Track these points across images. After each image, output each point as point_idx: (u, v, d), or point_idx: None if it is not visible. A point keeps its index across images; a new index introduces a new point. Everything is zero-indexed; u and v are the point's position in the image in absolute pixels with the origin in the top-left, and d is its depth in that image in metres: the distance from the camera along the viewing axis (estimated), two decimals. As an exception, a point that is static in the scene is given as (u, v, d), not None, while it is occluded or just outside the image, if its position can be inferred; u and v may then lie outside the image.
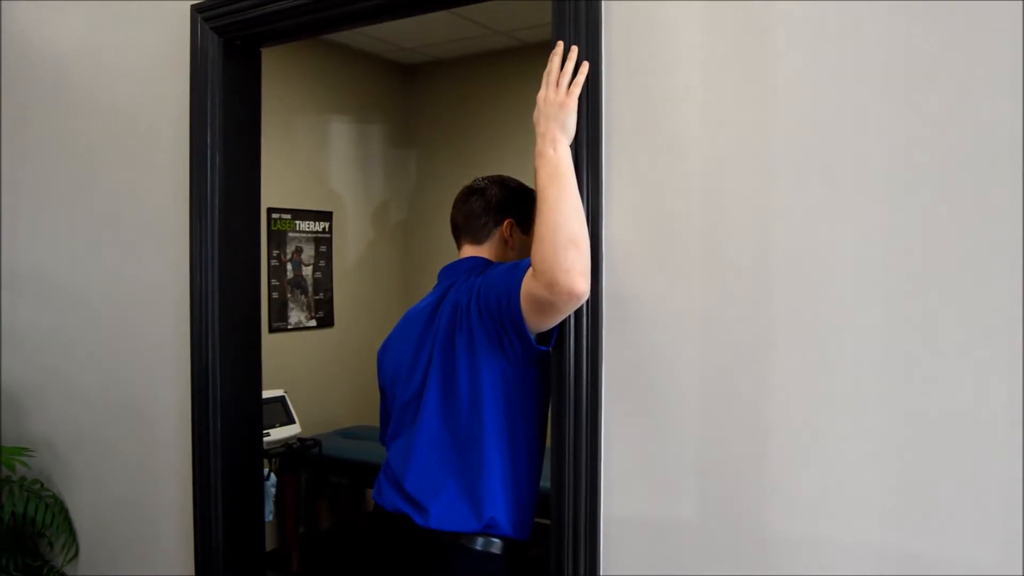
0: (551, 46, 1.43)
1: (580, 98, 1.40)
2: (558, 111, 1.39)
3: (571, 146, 1.40)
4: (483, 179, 1.73)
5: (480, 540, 1.52)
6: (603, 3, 1.40)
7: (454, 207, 1.74)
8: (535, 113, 1.42)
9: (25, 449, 2.43)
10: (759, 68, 1.28)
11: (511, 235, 1.67)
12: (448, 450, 1.55)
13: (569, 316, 1.41)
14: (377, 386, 1.80)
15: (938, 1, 1.14)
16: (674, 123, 1.35)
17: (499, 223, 1.67)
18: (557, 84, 1.40)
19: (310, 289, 4.27)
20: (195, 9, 2.01)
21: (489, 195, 1.68)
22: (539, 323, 1.42)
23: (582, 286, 1.32)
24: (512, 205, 1.68)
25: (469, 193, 1.71)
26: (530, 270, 1.38)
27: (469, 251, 1.69)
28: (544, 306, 1.37)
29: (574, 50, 1.41)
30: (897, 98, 1.17)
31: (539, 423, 1.58)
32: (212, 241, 2.01)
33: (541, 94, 1.42)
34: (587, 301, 1.38)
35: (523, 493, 1.55)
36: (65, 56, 2.40)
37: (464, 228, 1.70)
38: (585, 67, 1.40)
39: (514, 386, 1.52)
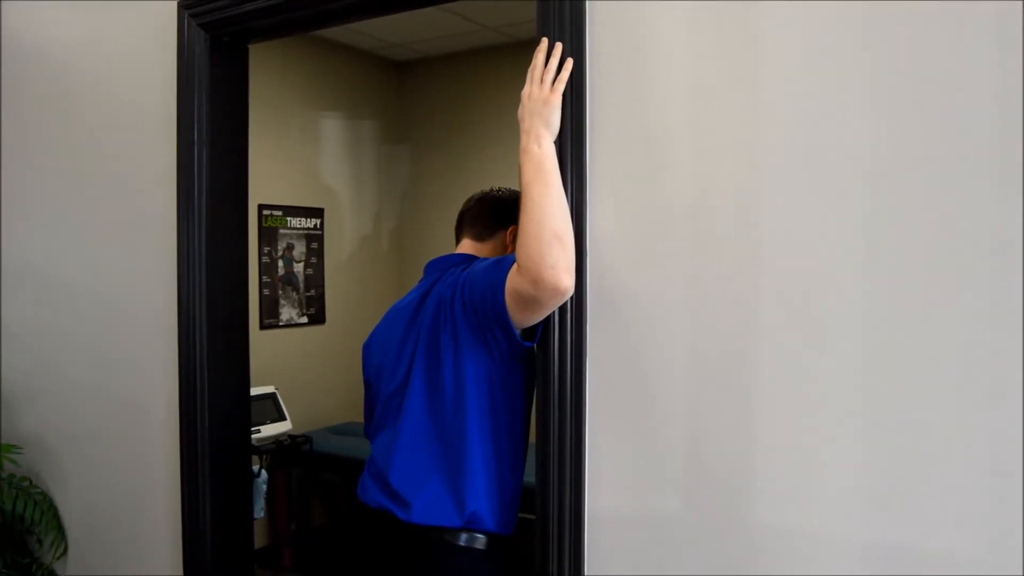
0: (536, 43, 1.43)
1: (564, 94, 1.40)
2: (542, 107, 1.39)
3: (555, 142, 1.40)
4: (505, 189, 1.78)
5: (464, 536, 1.52)
6: (587, 1, 1.40)
7: (468, 202, 1.77)
8: (519, 110, 1.43)
9: (13, 447, 2.43)
10: (743, 65, 1.28)
11: (512, 242, 1.69)
12: (432, 444, 1.55)
13: (554, 312, 1.41)
14: (366, 382, 1.80)
15: (925, 1, 1.14)
16: (658, 119, 1.35)
17: (505, 227, 1.70)
18: (541, 80, 1.41)
19: (301, 286, 4.26)
20: (182, 6, 2.01)
21: (506, 201, 1.73)
22: (524, 319, 1.43)
23: (567, 282, 1.32)
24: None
25: (488, 194, 1.76)
26: (515, 266, 1.39)
27: (467, 247, 1.72)
28: (529, 302, 1.38)
29: (558, 47, 1.41)
30: (885, 95, 1.17)
31: (523, 418, 1.59)
32: (199, 237, 2.01)
33: (525, 91, 1.43)
34: (572, 297, 1.39)
35: (506, 488, 1.56)
36: (56, 54, 2.40)
37: (471, 223, 1.74)
38: (569, 63, 1.40)
39: (498, 382, 1.53)
